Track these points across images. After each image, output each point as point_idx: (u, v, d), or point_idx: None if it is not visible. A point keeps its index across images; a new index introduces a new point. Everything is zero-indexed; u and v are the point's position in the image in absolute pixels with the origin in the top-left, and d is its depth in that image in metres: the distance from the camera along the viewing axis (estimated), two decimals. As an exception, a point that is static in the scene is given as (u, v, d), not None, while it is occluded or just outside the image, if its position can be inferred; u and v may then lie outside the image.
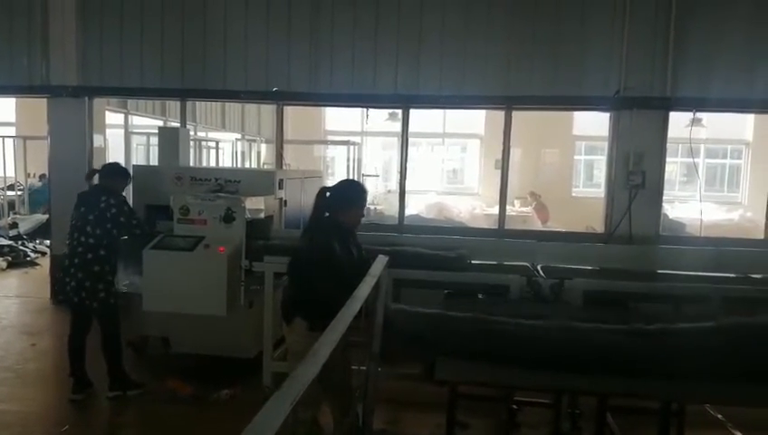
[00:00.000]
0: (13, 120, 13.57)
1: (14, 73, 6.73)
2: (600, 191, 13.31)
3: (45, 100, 6.84)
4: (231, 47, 6.42)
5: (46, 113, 6.83)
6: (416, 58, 6.17)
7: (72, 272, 4.05)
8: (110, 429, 4.03)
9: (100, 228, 4.01)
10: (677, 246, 5.87)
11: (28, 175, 11.83)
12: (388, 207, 10.02)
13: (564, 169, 13.47)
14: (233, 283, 4.09)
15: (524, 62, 6.08)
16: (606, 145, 6.52)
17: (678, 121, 6.48)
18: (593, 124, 12.36)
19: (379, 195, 11.65)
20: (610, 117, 6.24)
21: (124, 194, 4.35)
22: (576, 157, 14.03)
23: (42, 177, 11.76)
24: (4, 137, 11.53)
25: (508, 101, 6.13)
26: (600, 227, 6.47)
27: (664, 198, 6.25)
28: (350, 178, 3.54)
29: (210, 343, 4.61)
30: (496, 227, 6.53)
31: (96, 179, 4.27)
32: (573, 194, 13.55)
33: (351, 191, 3.24)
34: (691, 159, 9.25)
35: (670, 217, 8.22)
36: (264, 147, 12.05)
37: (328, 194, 3.16)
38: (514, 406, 3.91)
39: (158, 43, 6.52)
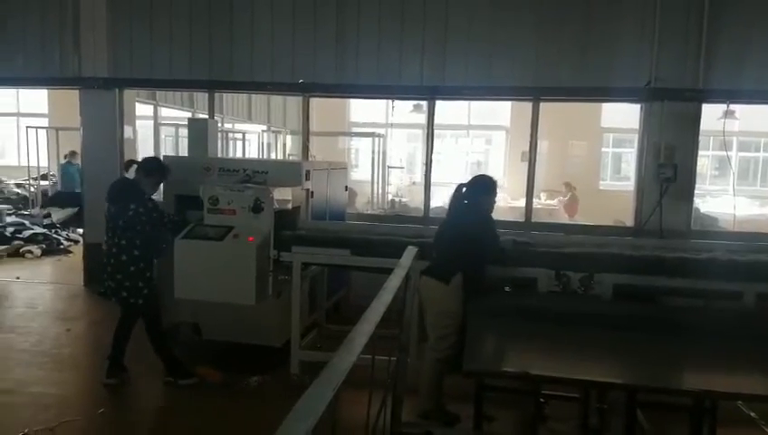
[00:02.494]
0: (45, 111, 13.89)
1: (46, 65, 6.89)
2: (628, 184, 13.15)
3: (76, 91, 7.00)
4: (258, 39, 6.47)
5: (78, 105, 6.98)
6: (442, 49, 6.14)
7: (110, 271, 4.15)
8: (141, 413, 4.13)
9: (131, 231, 4.07)
10: (710, 240, 5.75)
11: (59, 164, 12.09)
12: (413, 199, 10.02)
13: (592, 162, 13.30)
14: (262, 272, 4.14)
15: (553, 52, 6.01)
16: (635, 137, 6.41)
17: (711, 113, 6.33)
18: (622, 116, 12.21)
19: (403, 187, 11.65)
20: (641, 109, 6.13)
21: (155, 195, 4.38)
22: (604, 149, 13.85)
23: (68, 155, 11.89)
24: (37, 127, 11.81)
25: (536, 93, 6.05)
26: (629, 221, 6.38)
27: (695, 191, 6.13)
28: (484, 173, 4.20)
29: (239, 331, 4.68)
30: (522, 220, 6.47)
31: (132, 172, 4.31)
32: (601, 187, 13.39)
33: (487, 181, 3.93)
34: (723, 153, 9.02)
35: (702, 211, 8.05)
36: (289, 138, 12.13)
37: (464, 189, 3.86)
38: (542, 399, 3.90)
39: (187, 35, 6.60)
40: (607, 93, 6.26)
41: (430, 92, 6.26)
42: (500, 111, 13.58)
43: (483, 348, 2.96)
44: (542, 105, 6.19)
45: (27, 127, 11.94)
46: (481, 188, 3.90)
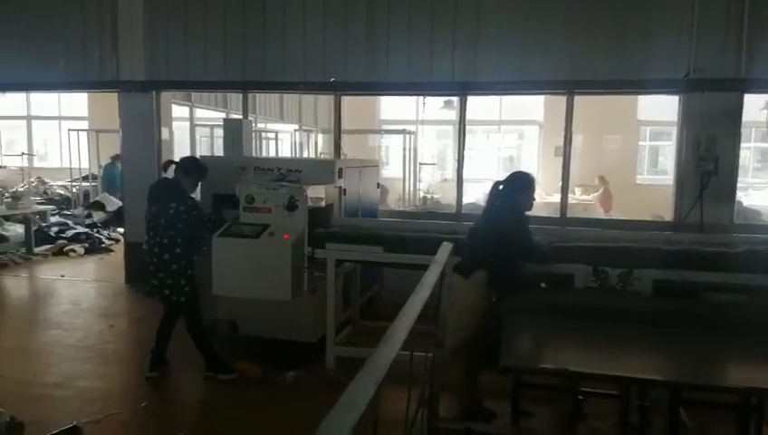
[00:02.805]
0: (85, 114, 14.32)
1: (86, 69, 7.09)
2: (665, 178, 12.87)
3: (114, 94, 7.18)
4: (290, 39, 6.53)
5: (117, 107, 7.18)
6: (473, 43, 6.09)
7: (153, 270, 4.25)
8: (182, 406, 4.23)
9: (173, 229, 4.16)
10: (754, 234, 5.58)
11: (100, 166, 12.45)
12: (444, 196, 9.99)
13: (628, 156, 13.02)
14: (297, 269, 4.20)
15: (587, 44, 5.90)
16: (674, 130, 6.25)
17: (753, 104, 6.13)
18: (660, 108, 11.92)
19: (434, 184, 11.63)
20: (680, 100, 5.98)
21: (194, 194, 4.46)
22: (641, 143, 13.55)
23: (113, 158, 12.24)
24: (78, 130, 12.19)
25: (570, 86, 5.96)
26: (668, 216, 6.23)
27: (737, 184, 5.94)
28: (520, 170, 4.21)
29: (275, 327, 4.75)
30: (557, 215, 6.39)
31: (171, 172, 4.40)
32: (638, 181, 13.11)
33: (525, 178, 3.88)
34: (766, 144, 8.72)
35: (744, 204, 7.80)
36: (320, 137, 12.24)
37: (501, 187, 3.82)
38: (580, 396, 3.86)
39: (221, 36, 6.72)
40: (644, 85, 6.10)
41: (462, 88, 6.22)
42: (533, 106, 13.43)
43: (520, 344, 2.94)
44: (577, 99, 6.09)
45: (69, 130, 12.35)
46: (518, 185, 3.84)
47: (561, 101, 6.18)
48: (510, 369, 2.71)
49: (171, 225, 4.16)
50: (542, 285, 4.01)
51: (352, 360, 4.60)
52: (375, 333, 5.34)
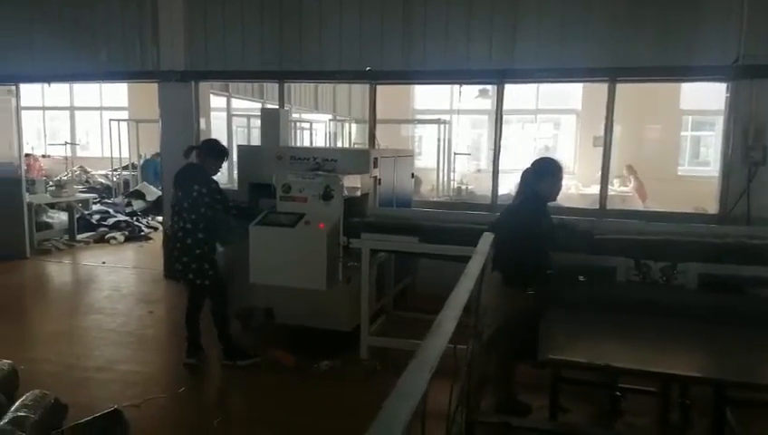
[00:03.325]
0: (126, 104, 14.65)
1: (128, 60, 7.22)
2: (707, 170, 12.46)
3: (153, 84, 7.29)
4: (326, 28, 6.52)
5: (156, 98, 7.30)
6: (511, 30, 5.95)
7: (177, 255, 4.32)
8: (218, 393, 4.31)
9: (195, 214, 4.22)
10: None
11: (140, 156, 12.74)
12: (478, 187, 9.87)
13: (669, 146, 12.64)
14: (332, 258, 4.21)
15: (630, 29, 5.70)
16: (720, 119, 6.02)
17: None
18: (703, 96, 11.51)
19: (468, 174, 11.51)
20: (727, 88, 5.74)
21: (218, 175, 4.48)
22: (682, 133, 13.13)
23: (155, 155, 12.55)
24: (119, 120, 12.48)
25: (612, 73, 5.76)
26: (712, 208, 6.02)
27: (788, 175, 5.69)
28: (547, 156, 4.29)
29: (310, 316, 4.78)
30: (596, 207, 6.23)
31: (194, 157, 4.42)
32: (679, 173, 12.73)
33: (548, 165, 3.69)
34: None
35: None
36: (354, 127, 12.24)
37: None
38: (618, 393, 3.77)
39: (258, 26, 6.74)
40: (690, 72, 5.88)
41: (499, 76, 6.10)
42: (570, 94, 13.14)
43: (559, 338, 2.87)
44: (619, 86, 5.90)
45: (110, 120, 12.66)
46: (540, 173, 3.64)
47: (600, 89, 6.01)
48: (549, 363, 2.66)
49: (194, 208, 4.21)
50: (581, 278, 3.92)
51: (386, 350, 4.62)
52: (409, 324, 5.38)
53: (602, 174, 6.07)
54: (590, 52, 5.77)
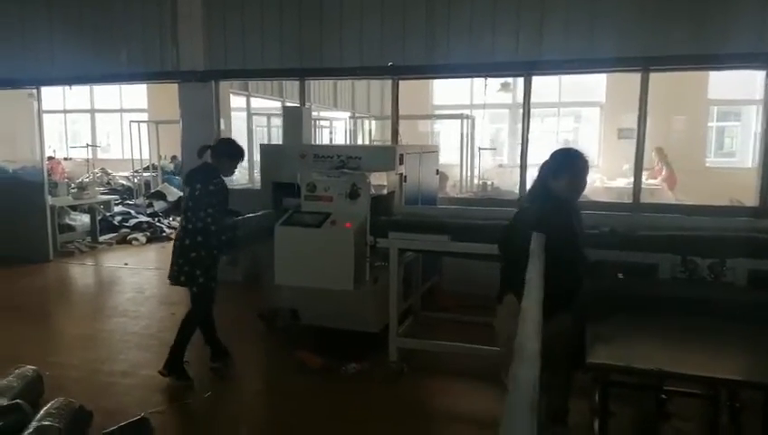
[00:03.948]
0: (145, 106, 14.70)
1: (148, 61, 7.16)
2: (734, 161, 12.12)
3: (172, 86, 7.24)
4: (346, 24, 6.38)
5: (175, 99, 7.24)
6: (538, 20, 5.75)
7: (175, 256, 4.13)
8: (246, 395, 4.20)
9: (195, 215, 4.00)
10: None
11: (160, 157, 12.76)
12: (501, 182, 9.68)
13: (697, 137, 12.30)
14: (359, 258, 4.08)
15: (663, 16, 5.47)
16: (747, 109, 5.77)
17: None
18: (730, 86, 11.18)
19: (489, 169, 11.31)
20: (767, 75, 5.50)
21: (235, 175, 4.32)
22: (709, 124, 12.79)
23: (173, 158, 12.69)
24: (138, 122, 12.51)
25: (645, 63, 5.53)
26: (749, 201, 5.78)
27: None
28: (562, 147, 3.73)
29: (337, 317, 4.67)
30: (629, 201, 6.02)
31: (209, 157, 4.25)
32: (707, 164, 12.39)
33: (564, 157, 3.09)
34: None
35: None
36: (373, 124, 12.12)
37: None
38: (663, 395, 3.60)
39: (277, 24, 6.63)
40: (725, 60, 5.61)
41: (526, 68, 5.89)
42: (593, 87, 12.88)
43: (606, 341, 2.71)
44: (638, 78, 5.65)
45: (131, 121, 12.70)
46: (553, 166, 3.02)
47: (625, 80, 5.82)
48: (599, 368, 2.51)
49: (195, 208, 4.02)
50: (620, 275, 3.74)
51: (414, 351, 4.49)
52: (437, 325, 5.22)
53: (636, 166, 5.85)
54: (622, 41, 5.55)
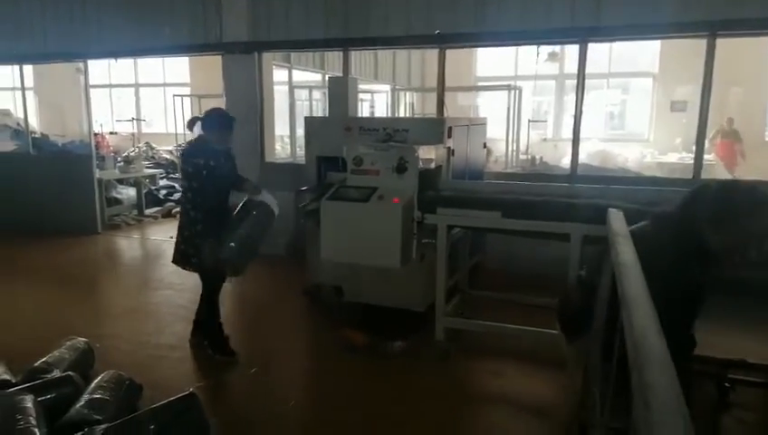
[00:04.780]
0: (188, 80, 14.76)
1: (192, 33, 7.10)
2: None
3: (215, 59, 7.19)
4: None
5: (217, 73, 7.18)
6: (597, -18, 5.42)
7: (175, 234, 4.10)
8: (291, 372, 4.16)
9: (191, 190, 3.88)
10: None
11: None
12: (546, 157, 9.35)
13: (756, 110, 11.60)
14: (406, 235, 3.95)
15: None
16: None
17: None
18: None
19: (533, 144, 10.97)
20: None
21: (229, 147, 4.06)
22: (769, 95, 12.05)
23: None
24: (182, 96, 12.57)
25: (712, 27, 5.15)
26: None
27: None
28: (738, 182, 2.71)
29: (382, 295, 4.58)
30: (689, 177, 5.68)
31: (198, 129, 4.08)
32: (767, 138, 11.73)
33: (736, 203, 2.13)
34: None
35: None
36: (414, 96, 11.87)
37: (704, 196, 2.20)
38: (727, 384, 3.39)
39: (322, -9, 6.46)
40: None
41: (583, 34, 5.52)
42: (644, 56, 12.28)
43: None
44: (695, 44, 5.27)
45: (174, 95, 12.77)
46: (710, 208, 2.14)
47: (681, 49, 5.39)
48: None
49: (187, 186, 3.92)
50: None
51: (461, 332, 4.37)
52: (483, 305, 5.06)
53: (698, 140, 5.50)
54: (687, 3, 5.16)
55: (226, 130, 3.98)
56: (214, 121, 3.97)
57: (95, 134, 8.98)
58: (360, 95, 10.72)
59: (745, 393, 3.48)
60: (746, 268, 3.08)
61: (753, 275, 3.10)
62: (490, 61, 13.41)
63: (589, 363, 2.60)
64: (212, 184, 3.87)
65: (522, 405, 3.68)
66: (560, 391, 3.68)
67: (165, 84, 15.44)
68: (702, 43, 5.30)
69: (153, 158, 13.29)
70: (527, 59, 12.24)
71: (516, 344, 4.29)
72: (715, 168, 9.95)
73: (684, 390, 1.98)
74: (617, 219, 2.16)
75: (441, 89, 6.29)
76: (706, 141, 10.00)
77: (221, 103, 7.16)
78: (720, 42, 5.24)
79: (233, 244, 3.84)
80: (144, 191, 9.42)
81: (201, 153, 3.88)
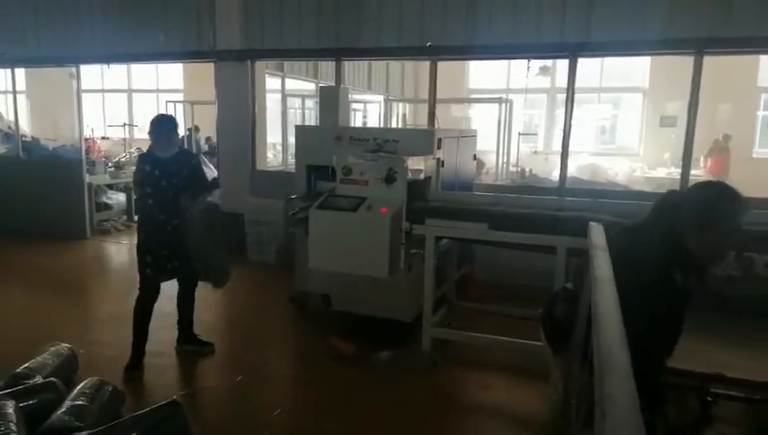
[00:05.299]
0: (181, 86, 14.76)
1: (185, 40, 7.14)
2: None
3: (208, 66, 7.19)
4: (385, 2, 6.21)
5: (211, 79, 7.19)
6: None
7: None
8: (276, 382, 4.15)
9: (150, 197, 3.96)
10: None
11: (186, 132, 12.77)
12: (536, 170, 9.42)
13: (744, 126, 11.76)
14: (394, 245, 3.96)
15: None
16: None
17: None
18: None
19: (523, 156, 11.05)
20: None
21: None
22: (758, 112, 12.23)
23: (207, 139, 12.71)
24: (175, 102, 12.56)
25: (699, 45, 5.24)
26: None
27: None
28: (712, 181, 2.47)
29: (369, 304, 4.58)
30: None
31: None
32: (754, 155, 11.88)
33: (714, 203, 2.05)
34: None
35: None
36: (407, 107, 11.92)
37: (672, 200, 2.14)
38: (709, 398, 3.41)
39: (315, 2, 6.50)
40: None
41: (573, 49, 5.62)
42: (634, 71, 12.44)
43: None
44: (687, 61, 5.34)
45: (167, 101, 12.75)
46: (696, 210, 2.04)
47: (671, 65, 5.48)
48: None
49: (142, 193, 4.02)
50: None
51: (448, 343, 4.37)
52: (470, 316, 5.07)
53: (684, 156, 5.57)
54: (675, 21, 5.26)
55: (153, 135, 4.03)
56: (152, 129, 4.04)
57: (86, 139, 8.96)
58: (353, 105, 10.77)
59: (728, 407, 3.50)
60: (727, 284, 3.13)
61: (736, 292, 3.15)
62: (482, 73, 13.53)
63: (569, 374, 2.62)
64: (167, 190, 3.92)
65: (507, 416, 3.69)
66: (544, 402, 3.69)
67: (158, 90, 15.43)
68: (691, 60, 5.38)
69: (144, 163, 13.23)
70: (519, 72, 12.36)
71: (503, 355, 4.30)
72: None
73: (660, 403, 2.00)
74: (597, 233, 2.18)
75: (432, 100, 6.35)
76: (701, 158, 10.17)
77: (213, 111, 7.18)
78: (709, 59, 5.33)
79: (210, 262, 3.97)
80: (134, 197, 9.38)
81: (148, 161, 3.99)
